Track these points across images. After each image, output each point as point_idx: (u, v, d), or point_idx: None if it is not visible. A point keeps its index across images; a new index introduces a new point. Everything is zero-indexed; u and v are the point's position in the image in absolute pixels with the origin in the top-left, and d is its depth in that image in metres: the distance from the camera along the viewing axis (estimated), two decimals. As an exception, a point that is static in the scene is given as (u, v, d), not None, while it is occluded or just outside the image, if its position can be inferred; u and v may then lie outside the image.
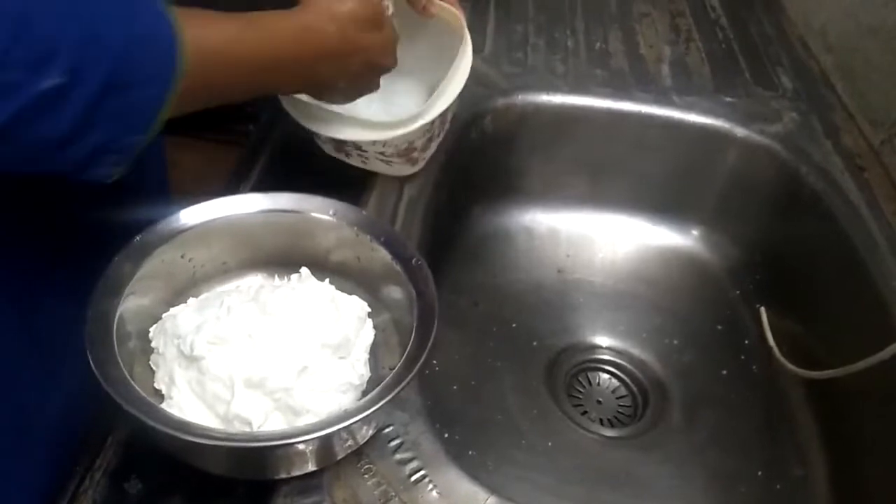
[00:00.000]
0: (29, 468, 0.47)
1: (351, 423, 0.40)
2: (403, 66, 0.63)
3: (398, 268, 0.49)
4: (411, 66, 0.64)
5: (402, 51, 0.59)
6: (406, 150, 0.62)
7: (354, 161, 0.63)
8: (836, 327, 0.70)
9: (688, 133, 0.81)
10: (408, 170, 0.66)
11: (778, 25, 0.97)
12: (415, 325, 0.46)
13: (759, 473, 0.67)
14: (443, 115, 0.60)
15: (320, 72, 0.48)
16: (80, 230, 0.52)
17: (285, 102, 0.59)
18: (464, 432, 0.67)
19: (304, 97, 0.57)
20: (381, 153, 0.61)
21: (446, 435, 0.66)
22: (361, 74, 0.51)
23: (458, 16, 0.61)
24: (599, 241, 0.87)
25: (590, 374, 0.77)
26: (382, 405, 0.41)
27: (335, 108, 0.57)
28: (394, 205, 0.65)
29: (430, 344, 0.44)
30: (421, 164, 0.67)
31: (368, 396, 0.42)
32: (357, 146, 0.60)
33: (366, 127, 0.58)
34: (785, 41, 0.94)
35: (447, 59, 0.60)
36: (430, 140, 0.65)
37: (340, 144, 0.61)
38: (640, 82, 0.84)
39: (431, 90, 0.61)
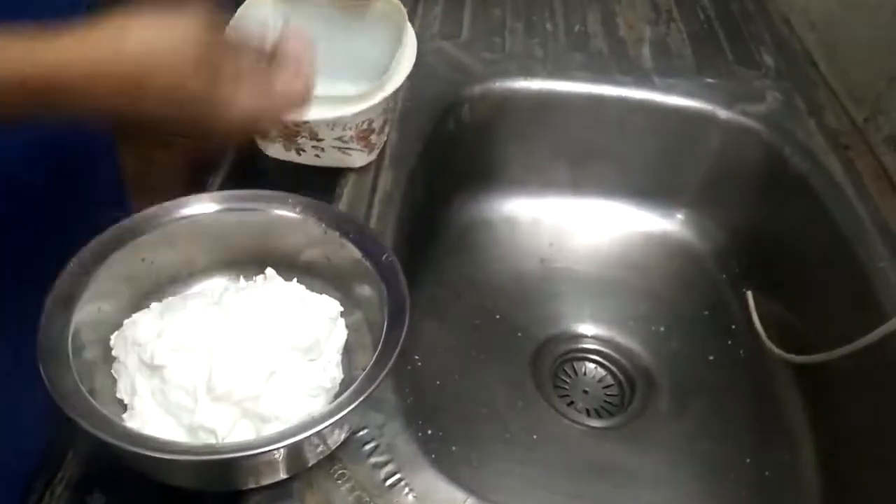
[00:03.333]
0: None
1: (318, 430, 0.38)
2: (347, 60, 0.64)
3: (368, 265, 0.47)
4: (354, 59, 0.65)
5: (343, 44, 0.60)
6: (365, 131, 0.60)
7: (307, 157, 0.62)
8: (824, 310, 0.69)
9: (670, 115, 0.80)
10: (364, 158, 0.65)
11: (760, 3, 0.95)
12: (385, 323, 0.44)
13: (748, 460, 0.66)
14: (395, 94, 0.59)
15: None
16: (34, 238, 0.51)
17: None
18: (447, 427, 0.66)
19: None
20: (340, 138, 0.60)
21: (429, 431, 0.65)
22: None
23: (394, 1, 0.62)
24: (582, 229, 0.85)
25: (575, 364, 0.75)
26: (352, 409, 0.40)
27: None
28: (368, 199, 0.64)
29: (400, 343, 0.43)
30: (376, 152, 0.66)
31: (338, 400, 0.41)
32: (314, 135, 0.58)
33: (331, 103, 0.56)
34: (767, 19, 0.93)
35: (388, 46, 0.60)
36: (385, 122, 0.63)
37: (292, 140, 0.59)
38: (620, 65, 0.83)
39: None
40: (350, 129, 0.59)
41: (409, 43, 0.61)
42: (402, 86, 0.60)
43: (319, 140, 0.59)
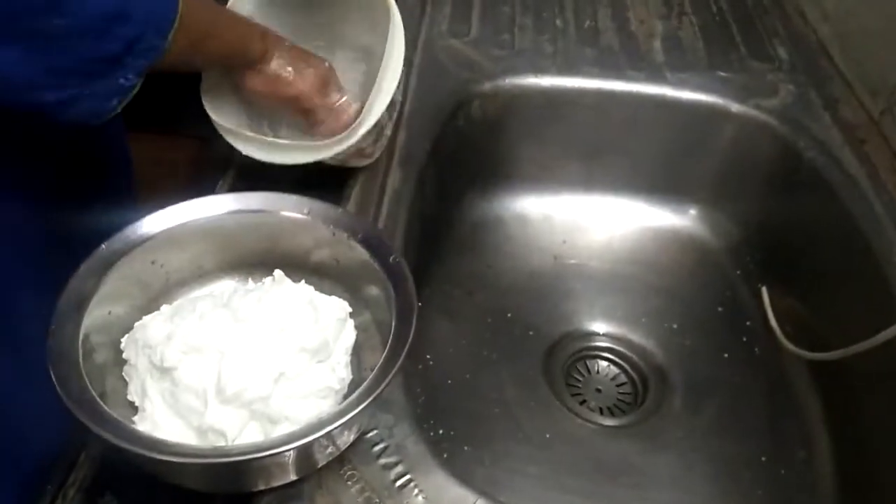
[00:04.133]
0: (2, 485, 0.46)
1: (327, 432, 0.38)
2: (337, 47, 0.64)
3: (376, 265, 0.47)
4: (346, 47, 0.64)
5: (335, 31, 0.60)
6: (356, 152, 0.60)
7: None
8: (840, 305, 0.68)
9: (682, 111, 0.79)
10: (364, 162, 0.65)
11: (773, -5, 0.94)
12: (393, 325, 0.44)
13: (764, 458, 0.65)
14: (388, 108, 0.58)
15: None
16: (49, 236, 0.51)
17: (229, 136, 0.58)
18: (459, 427, 0.66)
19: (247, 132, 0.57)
20: (334, 158, 0.59)
21: (441, 431, 0.65)
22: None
23: None
24: (595, 225, 0.85)
25: (588, 362, 0.75)
26: (360, 410, 0.40)
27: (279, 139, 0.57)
28: (377, 198, 0.64)
29: (409, 343, 0.43)
30: (378, 153, 0.66)
31: (347, 401, 0.41)
32: None
33: (309, 151, 0.57)
34: (780, 11, 0.91)
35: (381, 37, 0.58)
36: (380, 133, 0.62)
37: None
38: (631, 60, 0.82)
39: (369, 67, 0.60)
40: (340, 154, 0.58)
41: (395, 54, 0.57)
42: (394, 96, 0.58)
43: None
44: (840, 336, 0.61)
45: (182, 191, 0.50)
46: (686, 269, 0.82)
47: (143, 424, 0.42)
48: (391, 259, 0.47)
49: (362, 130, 0.57)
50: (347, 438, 0.44)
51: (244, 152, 0.57)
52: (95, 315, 0.43)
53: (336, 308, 0.48)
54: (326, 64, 0.58)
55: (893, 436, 0.58)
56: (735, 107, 0.77)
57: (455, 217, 0.82)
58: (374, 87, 0.56)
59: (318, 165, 0.60)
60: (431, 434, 0.64)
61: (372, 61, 0.62)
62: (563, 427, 0.68)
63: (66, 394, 0.37)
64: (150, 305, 0.48)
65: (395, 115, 0.65)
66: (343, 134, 0.56)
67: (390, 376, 0.41)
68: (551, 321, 0.77)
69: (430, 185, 0.71)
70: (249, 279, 0.50)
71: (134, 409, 0.44)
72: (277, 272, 0.47)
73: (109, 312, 0.45)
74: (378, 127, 0.59)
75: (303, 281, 0.48)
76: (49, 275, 0.44)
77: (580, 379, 0.73)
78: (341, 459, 0.45)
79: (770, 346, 0.72)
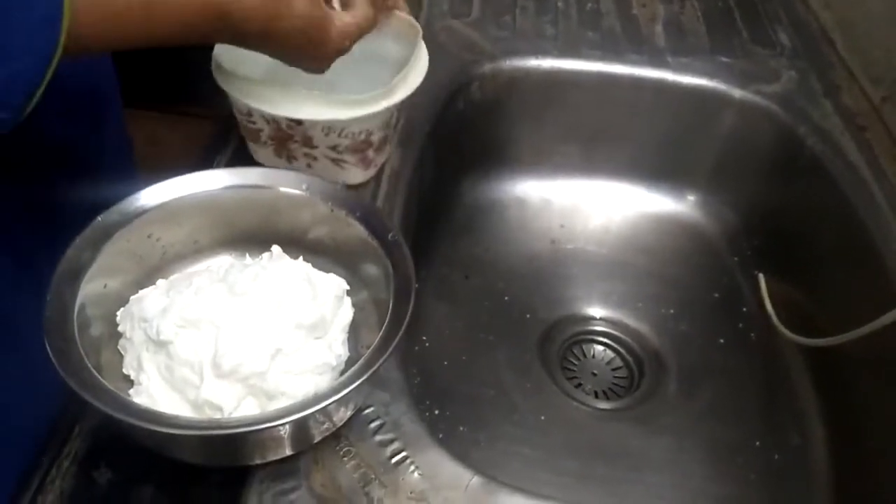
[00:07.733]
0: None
1: (323, 407, 0.38)
2: (356, 77, 0.59)
3: (374, 243, 0.47)
4: (363, 76, 0.59)
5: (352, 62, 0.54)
6: (362, 142, 0.57)
7: (298, 165, 0.58)
8: (837, 293, 0.68)
9: (683, 95, 0.79)
10: (360, 175, 0.61)
11: (776, -20, 0.94)
12: (391, 302, 0.44)
13: (758, 443, 0.66)
14: (399, 109, 0.56)
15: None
16: (46, 211, 0.51)
17: (224, 83, 0.54)
18: (455, 408, 0.66)
19: (254, 77, 0.54)
20: (335, 147, 0.56)
21: (436, 411, 0.65)
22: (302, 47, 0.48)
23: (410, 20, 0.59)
24: (593, 210, 0.85)
25: (584, 346, 0.75)
26: (356, 386, 0.40)
27: (290, 86, 0.53)
28: (375, 178, 0.63)
29: (406, 321, 0.42)
30: (373, 171, 0.62)
31: (343, 377, 0.41)
32: (307, 141, 0.55)
33: (325, 104, 0.53)
34: (783, -3, 0.91)
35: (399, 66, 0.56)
36: (385, 138, 0.59)
37: (283, 145, 0.56)
38: (632, 44, 0.82)
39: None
40: (346, 137, 0.55)
41: (420, 58, 0.58)
42: (405, 101, 0.56)
43: (312, 147, 0.56)
44: (836, 323, 0.61)
45: (180, 169, 0.49)
46: (683, 254, 0.82)
47: (138, 398, 0.42)
48: (389, 237, 0.47)
49: (396, 98, 0.55)
50: (344, 415, 0.44)
51: (261, 107, 0.53)
52: (91, 288, 0.43)
53: (333, 285, 0.47)
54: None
55: (887, 422, 0.59)
56: (736, 92, 0.77)
57: (454, 199, 0.82)
58: (408, 65, 0.56)
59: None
60: (427, 415, 0.65)
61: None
62: (558, 410, 0.69)
63: (63, 365, 0.37)
64: (146, 280, 0.48)
65: (399, 126, 0.63)
66: (376, 93, 0.53)
67: (387, 353, 0.41)
68: (548, 305, 0.77)
69: (428, 166, 0.71)
70: (247, 255, 0.50)
71: (129, 382, 0.44)
72: (275, 248, 0.47)
73: (105, 285, 0.45)
74: (390, 124, 0.58)
75: (300, 257, 0.48)
76: (46, 250, 0.44)
77: (576, 363, 0.73)
78: (337, 435, 0.45)
79: (766, 333, 0.73)
